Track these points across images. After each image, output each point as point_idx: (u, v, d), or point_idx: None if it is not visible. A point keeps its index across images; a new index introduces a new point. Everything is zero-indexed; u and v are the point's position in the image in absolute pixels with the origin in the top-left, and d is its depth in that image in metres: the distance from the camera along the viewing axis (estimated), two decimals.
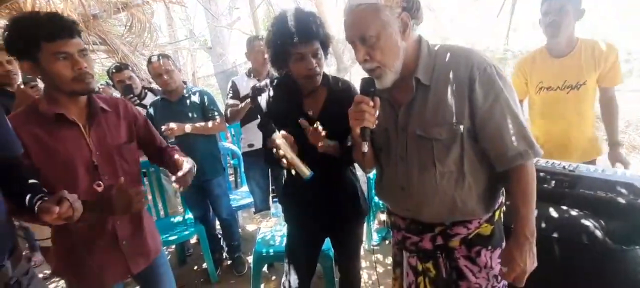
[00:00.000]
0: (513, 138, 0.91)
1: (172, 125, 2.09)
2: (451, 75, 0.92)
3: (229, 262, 2.58)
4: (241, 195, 2.89)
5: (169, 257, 2.28)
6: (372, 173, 2.24)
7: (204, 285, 2.42)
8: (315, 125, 1.10)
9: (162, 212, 2.52)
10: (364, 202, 1.43)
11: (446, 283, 1.05)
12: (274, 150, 1.08)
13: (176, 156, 1.27)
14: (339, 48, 4.39)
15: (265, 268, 2.41)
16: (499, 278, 1.04)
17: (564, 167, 1.41)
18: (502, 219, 1.08)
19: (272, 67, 1.31)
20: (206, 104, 2.27)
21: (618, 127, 1.80)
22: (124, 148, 1.19)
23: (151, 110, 2.24)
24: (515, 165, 0.92)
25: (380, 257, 2.51)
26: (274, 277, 2.39)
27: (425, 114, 0.94)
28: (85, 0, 2.69)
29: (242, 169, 2.72)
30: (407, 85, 0.96)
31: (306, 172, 1.06)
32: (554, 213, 1.31)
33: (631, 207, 1.20)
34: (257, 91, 1.36)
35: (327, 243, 1.77)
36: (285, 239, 1.53)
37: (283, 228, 1.99)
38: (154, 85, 2.73)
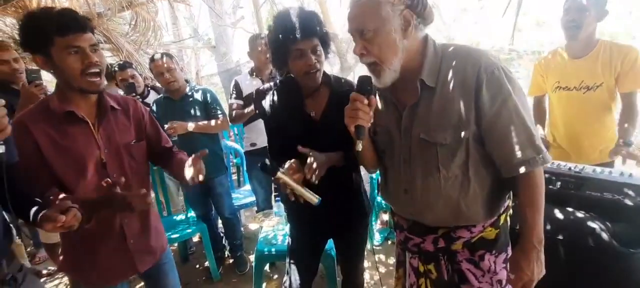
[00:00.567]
0: (520, 144, 0.87)
1: (175, 123, 2.10)
2: (457, 78, 0.88)
3: (231, 261, 2.59)
4: (243, 194, 2.91)
5: None
6: (375, 173, 2.25)
7: (206, 283, 2.42)
8: (309, 161, 1.11)
9: (164, 210, 2.54)
10: (367, 201, 1.42)
11: (447, 286, 1.03)
12: (280, 184, 1.11)
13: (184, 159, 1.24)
14: (343, 47, 4.36)
15: (267, 267, 2.41)
16: (503, 282, 1.01)
17: (569, 168, 1.39)
18: (508, 223, 1.05)
19: (273, 68, 1.31)
20: (209, 102, 2.28)
21: (633, 132, 1.71)
22: (133, 146, 1.19)
23: (154, 109, 2.25)
24: (523, 172, 0.89)
25: (382, 257, 2.50)
26: (275, 276, 2.39)
27: (430, 117, 0.91)
28: None
29: (245, 168, 2.72)
30: (411, 86, 0.93)
31: (314, 199, 1.09)
32: (559, 215, 1.30)
33: (638, 209, 1.18)
34: (260, 94, 1.36)
35: (330, 243, 1.77)
36: (287, 238, 1.52)
37: (285, 228, 1.99)
38: (157, 84, 2.74)
